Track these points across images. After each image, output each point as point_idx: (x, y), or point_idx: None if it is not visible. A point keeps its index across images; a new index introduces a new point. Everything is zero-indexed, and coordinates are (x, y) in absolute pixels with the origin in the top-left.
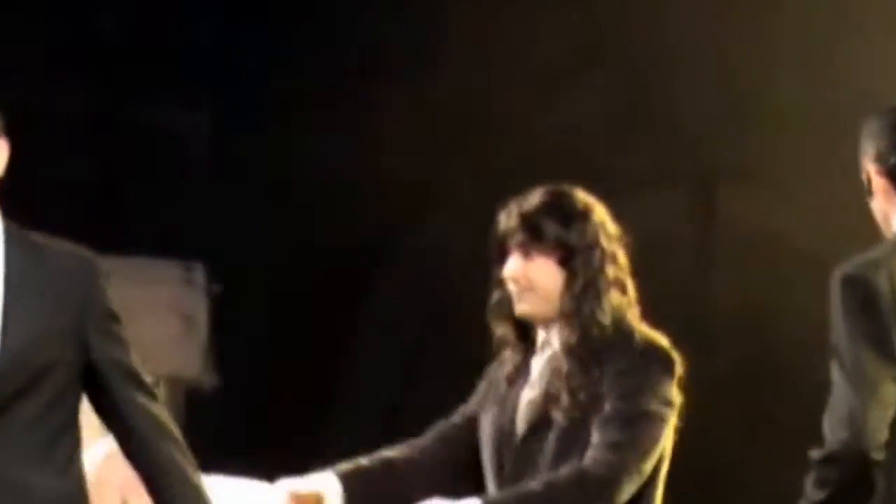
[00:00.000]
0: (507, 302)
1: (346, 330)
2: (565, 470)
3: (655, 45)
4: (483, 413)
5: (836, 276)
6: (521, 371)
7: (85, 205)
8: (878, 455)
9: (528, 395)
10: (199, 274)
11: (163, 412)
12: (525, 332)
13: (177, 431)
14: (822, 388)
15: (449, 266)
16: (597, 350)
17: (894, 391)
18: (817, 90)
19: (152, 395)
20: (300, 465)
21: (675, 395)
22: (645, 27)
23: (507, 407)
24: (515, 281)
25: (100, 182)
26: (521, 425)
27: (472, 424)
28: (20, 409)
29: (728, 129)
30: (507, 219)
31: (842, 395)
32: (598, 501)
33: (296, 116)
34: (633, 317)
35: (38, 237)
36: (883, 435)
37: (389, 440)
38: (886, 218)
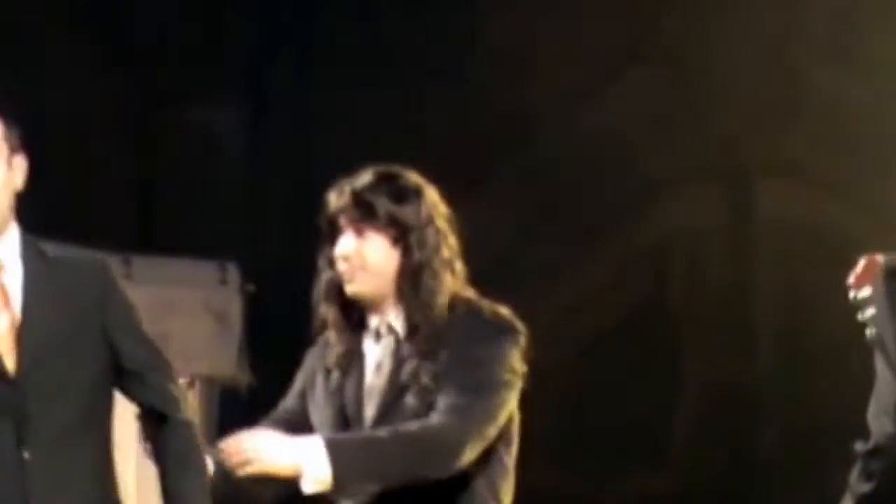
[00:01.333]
0: (335, 283)
1: None
2: (413, 425)
3: (697, 41)
4: (313, 403)
5: (881, 267)
6: (354, 357)
7: (121, 206)
8: None
9: (374, 382)
10: (233, 273)
11: (185, 404)
12: (351, 316)
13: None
14: (866, 388)
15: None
16: (440, 330)
17: None
18: (859, 83)
19: (176, 386)
20: None
21: (520, 364)
22: (686, 24)
23: (348, 395)
24: (347, 259)
25: (136, 183)
26: (369, 412)
27: (304, 413)
28: (49, 416)
29: (769, 124)
30: (339, 197)
31: (887, 386)
32: (439, 461)
33: (332, 116)
34: (470, 294)
35: (51, 247)
36: None
37: None
38: None
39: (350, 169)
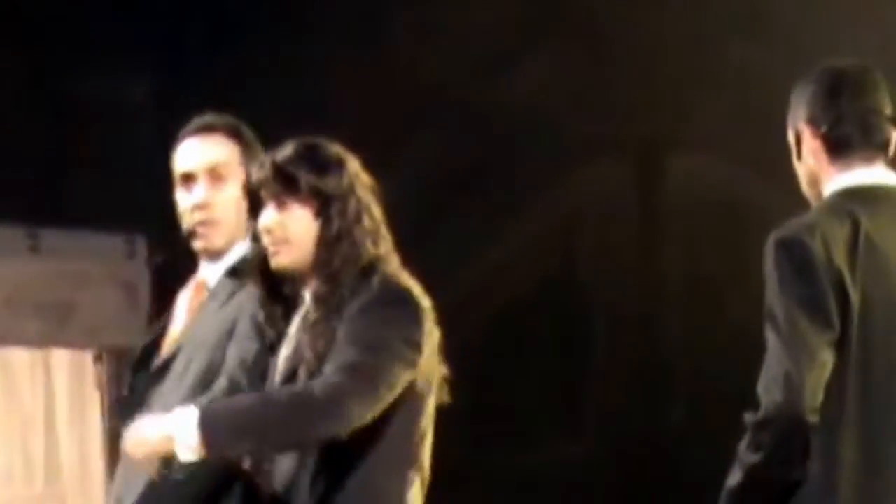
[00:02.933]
0: (261, 256)
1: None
2: (287, 387)
3: (608, 13)
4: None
5: (772, 240)
6: (284, 333)
7: (25, 178)
8: (813, 418)
9: (284, 352)
10: (142, 246)
11: None
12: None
13: None
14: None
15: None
16: (343, 298)
17: (830, 355)
18: (770, 54)
19: None
20: None
21: (419, 339)
22: None
23: (272, 371)
24: (270, 232)
25: (45, 155)
26: (277, 383)
27: None
28: None
29: (678, 97)
30: (261, 169)
31: (777, 358)
32: (322, 418)
33: (241, 87)
34: (391, 265)
35: None
36: (818, 398)
37: None
38: (816, 181)
39: (260, 141)
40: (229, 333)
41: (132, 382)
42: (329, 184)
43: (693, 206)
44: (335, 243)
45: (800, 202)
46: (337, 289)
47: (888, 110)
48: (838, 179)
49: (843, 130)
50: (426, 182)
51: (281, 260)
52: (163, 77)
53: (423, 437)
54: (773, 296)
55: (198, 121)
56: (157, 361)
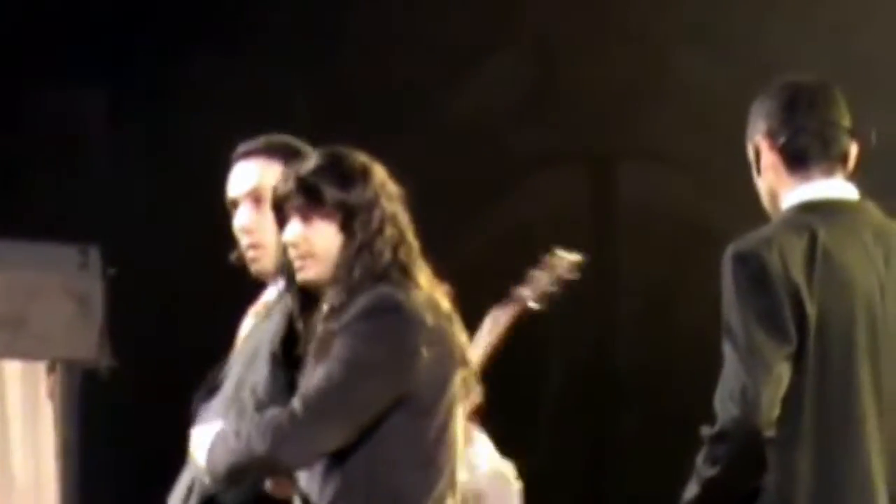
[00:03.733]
0: (289, 270)
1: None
2: (252, 420)
3: (561, 23)
4: None
5: (729, 253)
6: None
7: None
8: (770, 432)
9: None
10: (95, 257)
11: None
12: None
13: None
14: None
15: None
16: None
17: (786, 368)
18: (724, 69)
19: None
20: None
21: (404, 349)
22: (551, 7)
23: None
24: (295, 246)
25: None
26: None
27: None
28: None
29: (632, 108)
30: (285, 183)
31: (734, 371)
32: (282, 447)
33: (193, 95)
34: (411, 273)
35: None
36: (775, 412)
37: None
38: (774, 196)
39: (214, 150)
40: (257, 351)
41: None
42: (353, 196)
43: (644, 218)
44: (356, 256)
45: (752, 214)
46: (342, 300)
47: (846, 123)
48: (796, 193)
49: (800, 143)
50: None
51: (306, 274)
52: (116, 89)
53: (439, 440)
54: (730, 309)
55: (241, 146)
56: (218, 379)
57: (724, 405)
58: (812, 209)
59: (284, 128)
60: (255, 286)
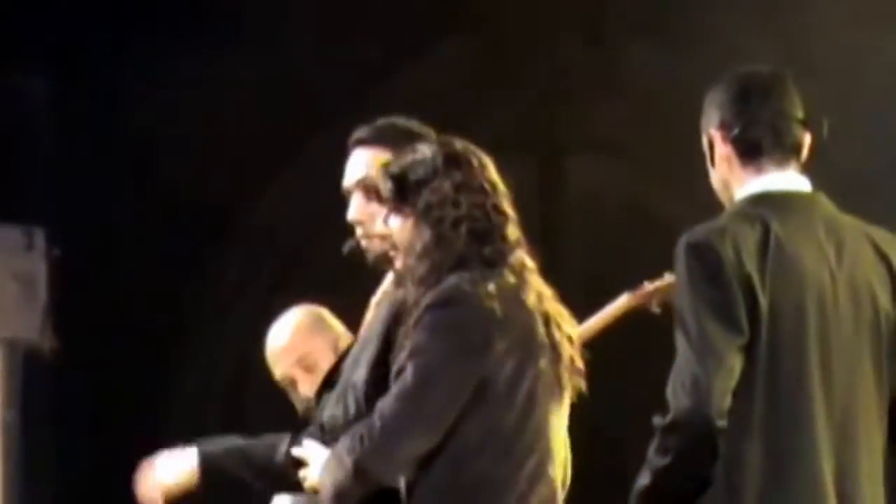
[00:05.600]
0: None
1: (191, 295)
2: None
3: (510, 12)
4: None
5: (682, 243)
6: None
7: None
8: (722, 422)
9: None
10: (40, 239)
11: None
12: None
13: None
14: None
15: (295, 235)
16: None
17: (738, 360)
18: (675, 62)
19: None
20: (140, 426)
21: (474, 338)
22: None
23: None
24: (385, 239)
25: None
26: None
27: None
28: None
29: (583, 99)
30: (377, 173)
31: (686, 362)
32: (361, 461)
33: (137, 76)
34: (511, 267)
35: None
36: (726, 403)
37: (232, 410)
38: (727, 187)
39: (160, 136)
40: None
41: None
42: (424, 192)
43: (595, 210)
44: (427, 250)
45: (704, 206)
46: (411, 298)
47: (799, 114)
48: (749, 185)
49: (753, 134)
50: (318, 190)
51: (397, 265)
52: (61, 71)
53: (519, 430)
54: (683, 299)
55: (355, 132)
56: (337, 373)
57: (676, 395)
58: (765, 201)
59: (230, 113)
60: (202, 267)
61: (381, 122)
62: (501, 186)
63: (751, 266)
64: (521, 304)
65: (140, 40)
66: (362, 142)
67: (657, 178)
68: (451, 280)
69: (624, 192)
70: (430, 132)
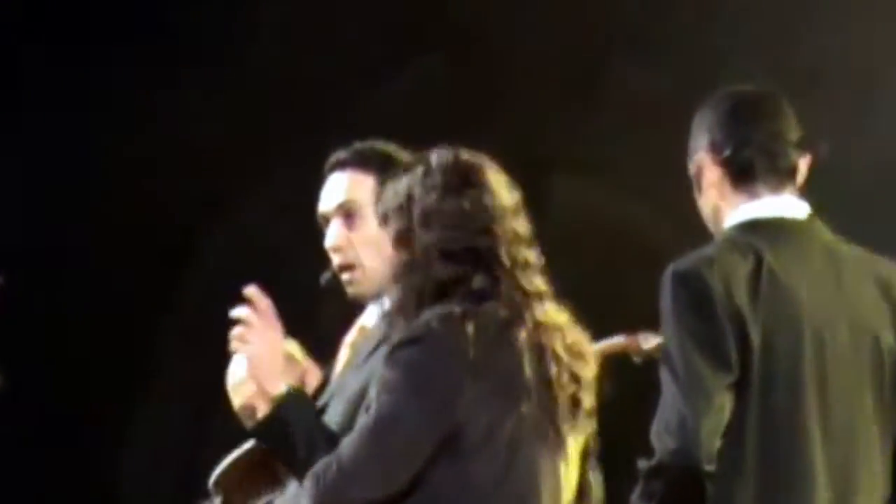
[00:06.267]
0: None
1: (149, 326)
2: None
3: (490, 25)
4: None
5: (668, 272)
6: None
7: None
8: (709, 466)
9: None
10: None
11: None
12: None
13: None
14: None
15: (264, 255)
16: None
17: (728, 398)
18: (661, 75)
19: None
20: (94, 466)
21: (440, 385)
22: (480, 7)
23: None
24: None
25: None
26: None
27: None
28: None
29: (566, 114)
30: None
31: (672, 401)
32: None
33: (83, 97)
34: (508, 295)
35: None
36: (715, 445)
37: (195, 444)
38: (717, 214)
39: (102, 153)
40: (356, 401)
41: None
42: (402, 212)
43: (577, 229)
44: (396, 279)
45: (692, 228)
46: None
47: (794, 135)
48: (741, 210)
49: (746, 157)
50: (297, 201)
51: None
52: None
53: (500, 483)
54: (668, 333)
55: (333, 155)
56: (319, 402)
57: (661, 437)
58: (758, 228)
59: (188, 129)
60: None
61: (361, 145)
62: (506, 202)
63: (741, 299)
64: (506, 343)
65: (80, 52)
66: (341, 165)
67: (644, 199)
68: (425, 315)
69: (608, 214)
70: (408, 156)
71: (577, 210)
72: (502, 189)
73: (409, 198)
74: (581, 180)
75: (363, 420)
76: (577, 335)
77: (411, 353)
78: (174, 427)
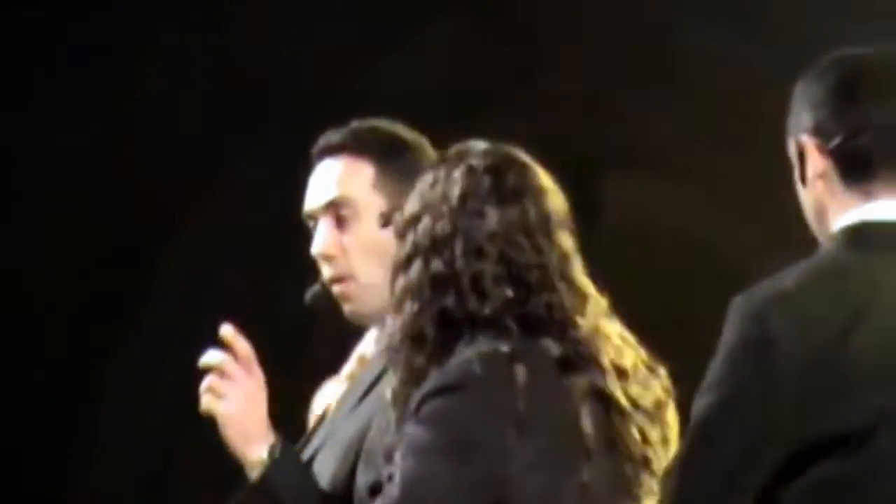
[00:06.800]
0: None
1: (104, 355)
2: None
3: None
4: None
5: (736, 303)
6: None
7: None
8: None
9: None
10: None
11: None
12: None
13: None
14: None
15: (234, 266)
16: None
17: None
18: (747, 48)
19: None
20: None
21: (479, 448)
22: None
23: None
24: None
25: None
26: None
27: None
28: None
29: (621, 100)
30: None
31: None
32: None
33: (52, 83)
34: (561, 327)
35: None
36: None
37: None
38: (823, 213)
39: (45, 157)
40: (351, 450)
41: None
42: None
43: (636, 237)
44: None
45: (778, 236)
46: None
47: None
48: (852, 213)
49: (861, 145)
50: (279, 196)
51: None
52: None
53: None
54: (707, 382)
55: (322, 138)
56: (309, 449)
57: None
58: (872, 240)
59: (161, 115)
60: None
61: (357, 125)
62: (561, 212)
63: (822, 360)
64: (562, 392)
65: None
66: (332, 150)
67: (719, 200)
68: (463, 354)
69: (676, 217)
70: (422, 140)
71: (640, 217)
72: (556, 196)
73: (445, 200)
74: (639, 180)
75: (388, 493)
76: (649, 381)
77: (446, 405)
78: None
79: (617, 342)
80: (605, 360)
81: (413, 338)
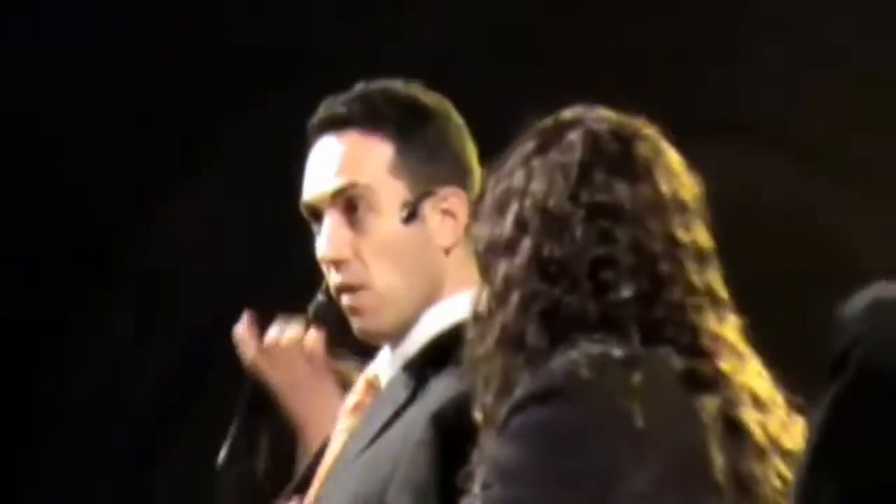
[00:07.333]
0: None
1: (55, 376)
2: None
3: None
4: None
5: (866, 298)
6: None
7: None
8: None
9: None
10: None
11: None
12: None
13: None
14: None
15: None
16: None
17: None
18: None
19: None
20: None
21: (586, 468)
22: None
23: None
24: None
25: None
26: None
27: None
28: None
29: (705, 63)
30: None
31: None
32: None
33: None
34: (674, 333)
35: None
36: None
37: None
38: None
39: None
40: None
41: None
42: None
43: (736, 212)
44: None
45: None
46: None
47: None
48: None
49: None
50: (270, 198)
51: None
52: None
53: None
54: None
55: (322, 107)
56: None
57: None
58: None
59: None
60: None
61: (366, 88)
62: (691, 196)
63: None
64: (689, 411)
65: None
66: (337, 123)
67: (832, 168)
68: (570, 355)
69: (783, 187)
70: (446, 105)
71: (743, 187)
72: (684, 176)
73: (560, 168)
74: (740, 152)
75: None
76: (790, 421)
77: (543, 415)
78: None
79: (754, 367)
80: (741, 384)
81: (512, 341)
